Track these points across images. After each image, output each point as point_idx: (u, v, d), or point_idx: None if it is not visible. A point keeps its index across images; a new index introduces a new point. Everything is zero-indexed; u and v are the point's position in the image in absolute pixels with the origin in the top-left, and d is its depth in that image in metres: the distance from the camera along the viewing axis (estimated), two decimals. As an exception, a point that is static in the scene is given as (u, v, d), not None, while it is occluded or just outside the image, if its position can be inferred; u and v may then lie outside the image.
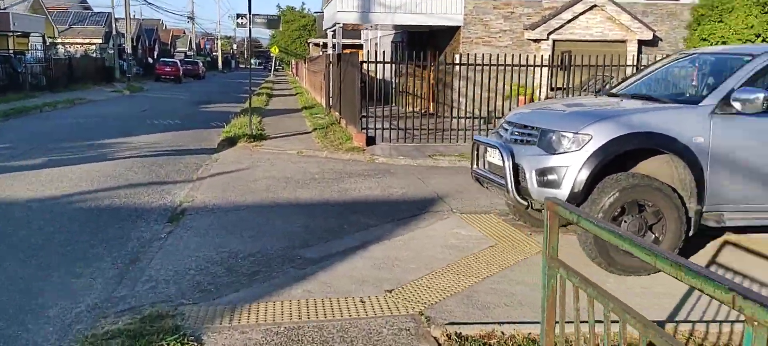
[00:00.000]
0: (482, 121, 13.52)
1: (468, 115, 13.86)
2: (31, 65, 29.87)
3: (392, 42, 23.16)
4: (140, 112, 21.69)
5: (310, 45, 36.79)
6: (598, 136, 4.96)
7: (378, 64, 13.32)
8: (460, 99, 15.15)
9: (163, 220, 7.29)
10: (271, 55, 62.13)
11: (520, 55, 14.64)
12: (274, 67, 68.14)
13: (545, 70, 14.26)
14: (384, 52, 13.79)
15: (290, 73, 67.00)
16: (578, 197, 5.03)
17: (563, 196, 5.05)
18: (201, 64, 60.86)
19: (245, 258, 5.76)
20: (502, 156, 5.44)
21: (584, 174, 4.96)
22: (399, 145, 12.92)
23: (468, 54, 14.71)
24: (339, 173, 10.18)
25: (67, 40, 44.92)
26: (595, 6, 16.59)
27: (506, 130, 5.86)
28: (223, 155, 12.27)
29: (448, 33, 18.13)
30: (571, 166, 4.99)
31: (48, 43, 37.79)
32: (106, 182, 9.31)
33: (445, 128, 13.33)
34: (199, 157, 12.05)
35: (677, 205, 4.97)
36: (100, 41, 47.26)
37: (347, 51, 18.25)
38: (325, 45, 34.94)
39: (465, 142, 13.23)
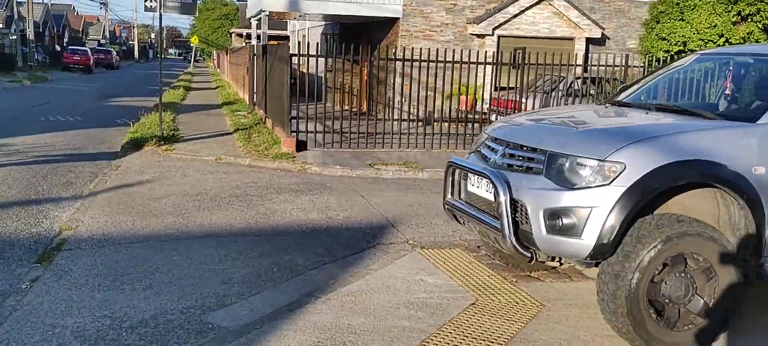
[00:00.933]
0: (421, 123, 12.10)
1: (406, 116, 12.42)
2: None
3: (323, 34, 21.47)
4: (36, 106, 19.13)
5: (233, 35, 34.57)
6: (635, 166, 3.58)
7: (308, 58, 11.69)
8: (398, 98, 13.73)
9: (31, 259, 5.46)
10: (192, 45, 58.96)
11: (463, 50, 13.32)
12: (194, 58, 64.85)
13: (489, 67, 13.00)
14: (316, 43, 12.17)
15: (211, 64, 63.95)
16: (606, 250, 3.65)
17: (585, 249, 3.66)
18: (115, 53, 56.95)
19: (133, 329, 4.07)
20: (496, 188, 3.98)
21: (616, 219, 3.57)
22: (333, 151, 11.33)
23: (405, 49, 13.27)
24: (265, 188, 8.50)
25: (-41, 24, 40.63)
26: (543, 0, 15.50)
27: (493, 150, 4.39)
28: (125, 162, 10.34)
29: (386, 25, 16.66)
30: (598, 207, 3.60)
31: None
32: (-35, 200, 7.30)
33: (383, 131, 11.84)
34: (95, 164, 10.08)
35: (735, 258, 3.66)
36: (1, 26, 43.08)
37: (273, 43, 16.46)
38: (248, 36, 32.83)
39: (407, 147, 11.79)
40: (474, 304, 4.48)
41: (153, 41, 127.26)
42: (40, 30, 52.58)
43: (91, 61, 45.64)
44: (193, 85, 33.65)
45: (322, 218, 6.96)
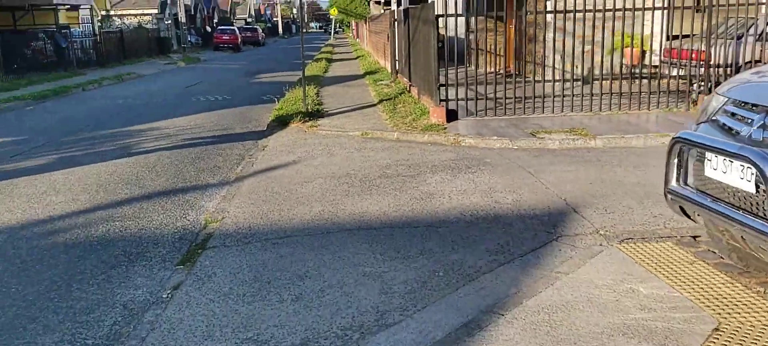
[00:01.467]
0: (579, 82, 10.64)
1: (560, 75, 11.02)
2: (79, 40, 28.42)
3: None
4: (188, 86, 19.71)
5: (371, 3, 34.10)
6: None
7: (455, 18, 10.64)
8: (552, 56, 12.28)
9: (174, 259, 5.00)
10: (331, 17, 59.74)
11: None
12: (334, 30, 65.76)
13: (660, 14, 11.22)
14: (455, 3, 11.08)
15: (350, 35, 64.48)
16: None
17: None
18: (260, 30, 59.08)
19: (280, 360, 3.37)
20: (763, 175, 2.80)
21: None
22: (487, 119, 10.26)
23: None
24: (417, 166, 7.66)
25: (122, 13, 43.73)
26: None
27: (746, 121, 3.16)
28: (272, 141, 9.96)
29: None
30: None
31: (100, 16, 36.47)
32: (115, 191, 7.11)
33: (538, 94, 10.55)
34: (243, 145, 9.78)
35: None
36: (155, 11, 45.87)
37: (414, 6, 15.56)
38: (387, 2, 32.19)
39: (571, 110, 10.44)
40: (718, 329, 3.32)
41: (295, 17, 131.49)
42: (192, 13, 55.51)
43: (239, 40, 47.47)
44: (334, 56, 33.74)
45: (488, 203, 5.98)
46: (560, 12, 10.43)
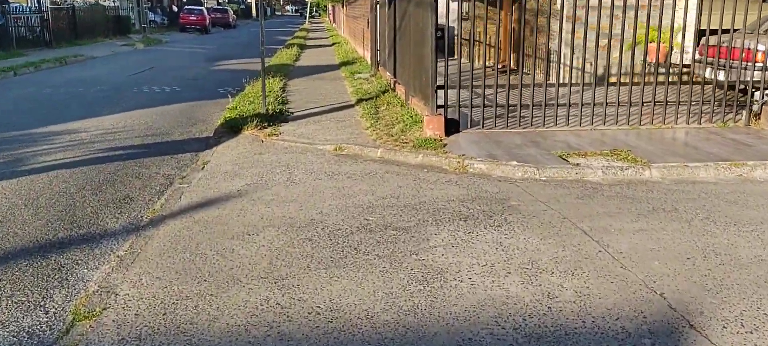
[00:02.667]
0: (591, 84, 8.43)
1: (570, 74, 8.78)
2: (23, 16, 25.48)
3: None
4: (138, 73, 17.10)
5: (349, -14, 31.65)
6: None
7: (459, 2, 8.33)
8: (561, 50, 10.08)
9: None
10: (307, 0, 56.89)
11: None
12: (310, 13, 62.96)
13: (692, 3, 9.04)
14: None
15: (327, 19, 61.73)
16: None
17: None
18: (231, 12, 55.96)
19: None
20: None
21: None
22: (497, 132, 8.00)
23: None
24: (413, 209, 5.35)
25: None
26: None
27: None
28: (216, 155, 7.58)
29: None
30: None
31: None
32: (-44, 246, 4.69)
33: (549, 99, 8.36)
34: (177, 160, 7.38)
35: None
36: (117, -12, 42.71)
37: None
38: (366, -15, 29.75)
39: (603, 124, 8.22)
40: None
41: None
42: (159, -9, 52.33)
43: (207, 21, 44.52)
44: (308, 42, 31.21)
45: (536, 300, 3.69)
46: None
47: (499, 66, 12.62)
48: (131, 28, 36.66)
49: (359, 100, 10.91)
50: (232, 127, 8.83)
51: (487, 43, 12.93)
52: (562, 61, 11.19)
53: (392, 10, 11.43)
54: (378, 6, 13.83)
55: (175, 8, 53.00)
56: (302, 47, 26.27)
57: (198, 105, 11.50)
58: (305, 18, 69.35)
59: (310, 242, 4.64)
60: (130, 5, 42.52)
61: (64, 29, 28.87)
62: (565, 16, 10.06)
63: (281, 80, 13.88)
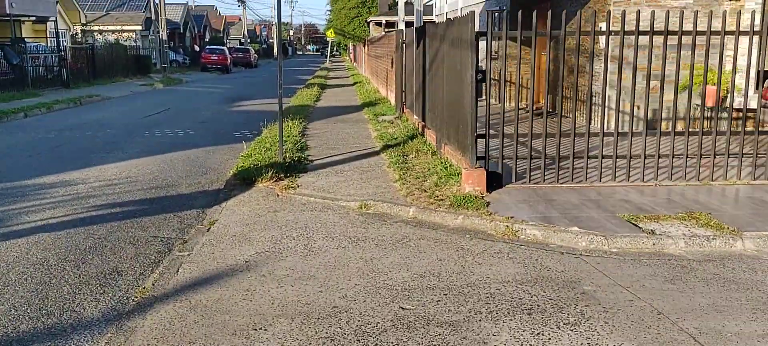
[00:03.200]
0: (647, 127, 7.35)
1: (616, 119, 7.72)
2: (41, 56, 25.10)
3: (487, 11, 17.05)
4: (153, 114, 16.38)
5: (371, 25, 31.06)
6: None
7: (506, 40, 7.39)
8: (602, 91, 9.07)
9: None
10: (328, 39, 56.77)
11: (712, 14, 8.38)
12: (331, 52, 62.81)
13: (755, 40, 7.99)
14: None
15: (347, 58, 61.50)
16: None
17: None
18: (252, 51, 55.92)
19: None
20: None
21: None
22: (546, 187, 6.97)
23: (614, 15, 8.57)
24: (459, 294, 4.31)
25: (102, 28, 40.51)
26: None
27: None
28: (225, 215, 6.62)
29: (582, -8, 11.98)
30: None
31: (76, 31, 33.26)
32: None
33: (594, 146, 7.25)
34: (180, 219, 6.45)
35: None
36: (139, 28, 42.72)
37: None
38: (388, 24, 29.14)
39: (670, 179, 7.15)
40: None
41: (291, 38, 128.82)
42: (181, 31, 52.48)
43: (229, 61, 44.26)
44: (328, 82, 30.56)
45: None
46: (629, 33, 7.09)
47: (534, 108, 11.63)
48: (152, 68, 36.35)
49: (385, 147, 9.96)
50: (245, 179, 7.90)
51: (520, 83, 11.98)
52: (606, 104, 10.20)
53: (421, 49, 10.54)
54: (404, 45, 12.97)
55: (197, 48, 53.01)
56: (323, 87, 25.56)
57: (211, 151, 10.62)
58: (326, 57, 69.29)
59: (333, 342, 3.63)
60: (152, 45, 42.44)
61: (83, 69, 28.52)
62: (610, 55, 9.08)
63: (300, 123, 13.01)
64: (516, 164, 7.15)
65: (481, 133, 6.97)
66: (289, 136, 11.09)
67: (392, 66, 16.26)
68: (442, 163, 8.12)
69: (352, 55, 56.51)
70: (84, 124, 14.42)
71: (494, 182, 6.90)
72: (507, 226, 5.68)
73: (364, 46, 33.10)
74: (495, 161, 7.08)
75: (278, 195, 7.35)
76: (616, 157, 7.13)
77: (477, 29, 6.82)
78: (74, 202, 7.08)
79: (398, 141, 10.33)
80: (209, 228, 6.14)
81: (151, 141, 11.71)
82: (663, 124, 8.46)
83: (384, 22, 29.26)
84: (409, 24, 14.92)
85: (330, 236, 5.71)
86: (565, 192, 6.81)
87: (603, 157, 7.12)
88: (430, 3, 25.55)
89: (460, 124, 7.48)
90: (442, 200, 6.55)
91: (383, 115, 14.49)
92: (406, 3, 15.12)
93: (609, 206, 6.24)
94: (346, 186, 7.54)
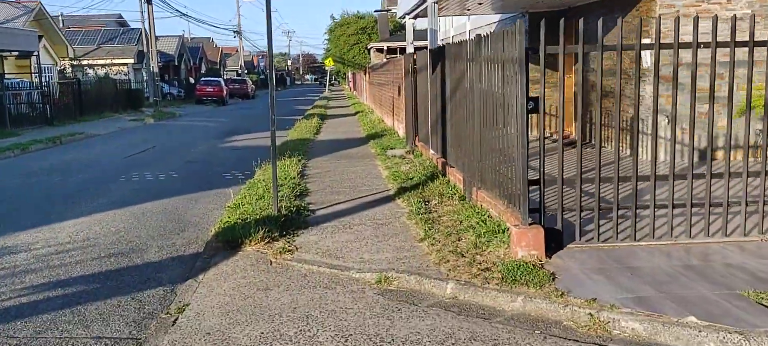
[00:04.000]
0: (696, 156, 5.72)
1: (672, 150, 6.07)
2: (23, 92, 23.60)
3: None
4: (135, 154, 14.79)
5: (371, 51, 29.64)
6: None
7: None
8: (648, 117, 7.50)
9: None
10: (326, 68, 55.49)
11: None
12: (330, 81, 61.53)
13: None
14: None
15: (347, 87, 60.19)
16: None
17: None
18: (250, 82, 54.47)
19: None
20: None
21: None
22: (620, 247, 5.33)
23: (658, 25, 7.01)
24: None
25: (94, 62, 39.16)
26: None
27: None
28: (199, 295, 4.99)
29: (616, 2, 10.46)
30: None
31: (63, 66, 31.85)
32: None
33: (651, 183, 5.62)
34: (139, 302, 4.81)
35: None
36: (132, 61, 41.39)
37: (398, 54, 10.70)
38: (389, 50, 27.75)
39: (750, 232, 5.51)
40: None
41: (289, 68, 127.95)
42: (176, 63, 51.19)
43: (225, 93, 42.81)
44: (328, 111, 29.05)
45: None
46: (684, 46, 5.45)
47: (556, 136, 10.06)
48: (144, 102, 34.86)
49: (401, 190, 8.33)
50: (229, 240, 6.25)
51: (544, 110, 10.40)
52: (656, 132, 8.61)
53: (439, 73, 8.97)
54: (415, 70, 11.41)
55: (192, 80, 51.65)
56: (323, 118, 24.02)
57: (194, 199, 8.99)
58: (325, 86, 67.99)
59: None
60: (145, 78, 41.06)
61: (69, 105, 27.01)
62: (660, 76, 7.53)
63: (299, 161, 11.41)
64: (580, 217, 5.50)
65: (534, 179, 5.34)
66: (286, 177, 9.48)
67: (399, 94, 14.72)
68: (476, 213, 6.49)
69: (351, 84, 55.17)
70: (57, 167, 12.81)
71: (552, 241, 5.26)
72: (590, 314, 4.03)
73: (365, 74, 31.67)
74: (552, 214, 5.45)
75: (271, 262, 5.71)
76: (709, 204, 5.49)
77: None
78: (4, 281, 5.43)
79: (415, 182, 8.71)
80: (176, 319, 4.50)
81: (126, 187, 10.08)
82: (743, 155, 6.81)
83: (386, 48, 27.87)
84: (418, 49, 13.40)
85: (342, 335, 4.06)
86: (647, 254, 5.17)
87: (692, 205, 5.48)
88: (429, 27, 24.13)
89: (501, 166, 5.87)
90: (487, 269, 4.91)
91: (392, 148, 12.89)
92: (414, 17, 13.61)
93: (718, 276, 4.60)
94: (358, 247, 5.90)
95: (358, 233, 6.45)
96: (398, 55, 23.68)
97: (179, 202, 8.81)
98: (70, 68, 34.79)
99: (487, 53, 6.24)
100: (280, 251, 5.89)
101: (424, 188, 8.24)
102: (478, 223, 6.12)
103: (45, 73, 28.67)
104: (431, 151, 10.24)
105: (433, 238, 5.92)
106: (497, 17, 15.30)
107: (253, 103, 43.46)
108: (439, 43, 19.89)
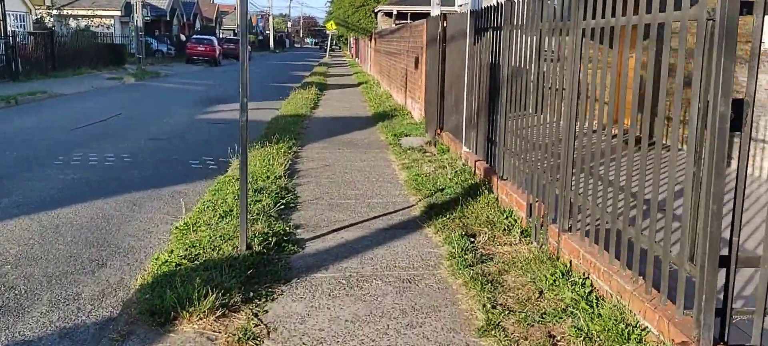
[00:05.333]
0: None
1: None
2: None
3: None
4: (93, 123, 12.23)
5: (379, 15, 26.89)
6: None
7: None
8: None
9: None
10: (328, 32, 52.52)
11: None
12: (331, 46, 58.61)
13: None
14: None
15: (348, 53, 57.28)
16: None
17: None
18: (246, 42, 51.41)
19: None
20: None
21: None
22: None
23: None
24: None
25: (76, 12, 36.18)
26: None
27: None
28: None
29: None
30: None
31: (39, 16, 29.01)
32: None
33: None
34: None
35: None
36: (118, 13, 38.45)
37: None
38: (400, 15, 24.99)
39: None
40: None
41: (289, 30, 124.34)
42: (168, 19, 48.21)
43: (218, 53, 40.02)
44: (328, 79, 26.41)
45: None
46: None
47: (606, 130, 7.55)
48: (127, 59, 32.12)
49: (429, 209, 5.82)
50: (156, 312, 3.72)
51: (592, 95, 7.86)
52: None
53: (488, 45, 6.40)
54: (445, 39, 8.82)
55: (183, 37, 48.68)
56: (322, 88, 21.38)
57: (138, 202, 6.47)
58: (325, 51, 65.05)
59: None
60: (132, 33, 38.18)
61: (41, 59, 24.31)
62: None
63: (290, 148, 8.87)
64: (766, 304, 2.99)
65: (725, 254, 2.83)
66: (269, 176, 6.96)
67: (416, 67, 12.12)
68: (564, 277, 3.99)
69: (353, 50, 52.29)
70: (-12, 137, 10.25)
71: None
72: None
73: (371, 41, 28.90)
74: (746, 318, 2.95)
75: (223, 366, 3.22)
76: None
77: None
78: None
79: (447, 195, 6.20)
80: None
81: (56, 177, 7.53)
82: None
83: (395, 12, 25.08)
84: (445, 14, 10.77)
85: None
86: None
87: None
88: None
89: (628, 211, 3.35)
90: None
91: (407, 135, 10.36)
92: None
93: None
94: (375, 340, 3.40)
95: (373, 301, 3.94)
96: (409, 21, 20.96)
97: (117, 206, 6.28)
98: (50, 18, 31.90)
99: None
100: (239, 340, 3.39)
101: (464, 208, 5.73)
102: (574, 301, 3.62)
103: (16, 22, 25.91)
104: (464, 149, 7.69)
105: (503, 330, 3.42)
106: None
107: (249, 66, 40.59)
108: (457, 8, 16.96)
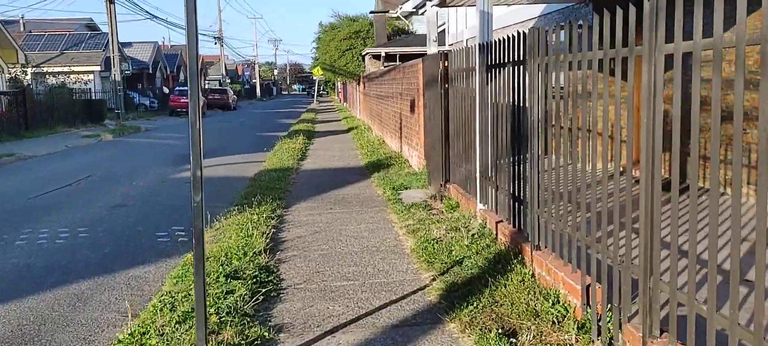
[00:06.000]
0: None
1: None
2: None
3: (539, 28, 11.90)
4: (57, 189, 10.96)
5: (367, 58, 25.92)
6: None
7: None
8: None
9: None
10: (315, 78, 51.73)
11: None
12: (318, 92, 57.77)
13: None
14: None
15: (336, 98, 56.45)
16: None
17: None
18: (231, 92, 50.47)
19: None
20: None
21: None
22: None
23: None
24: None
25: (55, 70, 35.12)
26: None
27: None
28: None
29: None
30: None
31: (13, 74, 27.84)
32: None
33: None
34: None
35: None
36: (98, 68, 37.42)
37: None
38: (388, 57, 24.02)
39: None
40: None
41: (276, 78, 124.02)
42: (150, 71, 47.26)
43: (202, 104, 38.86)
44: (316, 126, 25.31)
45: None
46: None
47: (618, 171, 6.33)
48: (106, 115, 30.94)
49: (448, 292, 4.58)
50: None
51: (598, 131, 6.62)
52: None
53: (502, 82, 5.25)
54: (447, 78, 7.68)
55: (166, 90, 47.68)
56: (310, 136, 20.22)
57: (83, 296, 5.19)
58: (313, 97, 64.30)
59: None
60: (114, 86, 37.10)
61: (13, 119, 23.10)
62: None
63: (273, 212, 7.64)
64: None
65: None
66: (247, 252, 5.72)
67: (412, 111, 10.98)
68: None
69: (341, 95, 51.46)
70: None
71: None
72: None
73: (359, 84, 27.89)
74: None
75: None
76: None
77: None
78: None
79: (468, 269, 4.96)
80: None
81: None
82: None
83: (383, 54, 24.12)
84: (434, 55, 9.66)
85: None
86: None
87: None
88: (479, 10, 20.39)
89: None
90: None
91: (406, 188, 9.16)
92: (427, 14, 9.87)
93: None
94: None
95: None
96: (398, 62, 19.96)
97: (56, 303, 5.00)
98: (26, 76, 30.75)
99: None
100: None
101: (493, 290, 4.49)
102: None
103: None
104: (480, 206, 6.48)
105: None
106: (538, 10, 11.62)
107: (233, 116, 39.58)
108: (449, 47, 15.87)
